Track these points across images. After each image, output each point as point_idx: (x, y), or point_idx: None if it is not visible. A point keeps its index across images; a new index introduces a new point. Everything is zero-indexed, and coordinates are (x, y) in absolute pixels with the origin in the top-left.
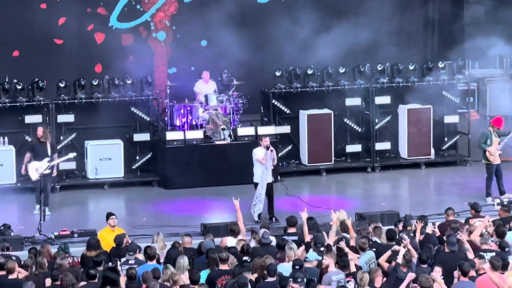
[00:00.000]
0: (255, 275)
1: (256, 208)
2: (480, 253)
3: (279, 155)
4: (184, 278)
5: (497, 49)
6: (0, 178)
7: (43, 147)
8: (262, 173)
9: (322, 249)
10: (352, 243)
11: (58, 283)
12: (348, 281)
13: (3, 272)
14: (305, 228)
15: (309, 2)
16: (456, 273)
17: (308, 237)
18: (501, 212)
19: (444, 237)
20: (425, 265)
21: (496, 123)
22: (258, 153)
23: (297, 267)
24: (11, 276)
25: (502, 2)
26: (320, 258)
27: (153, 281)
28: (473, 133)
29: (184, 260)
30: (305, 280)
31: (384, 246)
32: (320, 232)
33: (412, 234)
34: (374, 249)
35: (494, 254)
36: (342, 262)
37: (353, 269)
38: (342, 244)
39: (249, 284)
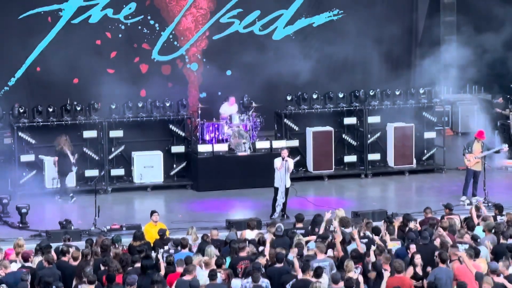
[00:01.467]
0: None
1: (279, 208)
2: (457, 244)
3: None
4: (212, 263)
5: (467, 78)
6: (68, 181)
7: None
8: (280, 179)
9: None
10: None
11: (106, 268)
12: (356, 267)
13: (65, 258)
14: (323, 225)
15: (314, 37)
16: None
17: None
18: (472, 211)
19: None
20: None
21: (479, 135)
22: (277, 162)
23: (299, 256)
24: (72, 262)
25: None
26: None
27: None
28: (448, 146)
29: (211, 249)
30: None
31: (373, 239)
32: (327, 226)
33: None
34: (366, 240)
35: (467, 245)
36: (354, 252)
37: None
38: (337, 234)
39: (263, 268)
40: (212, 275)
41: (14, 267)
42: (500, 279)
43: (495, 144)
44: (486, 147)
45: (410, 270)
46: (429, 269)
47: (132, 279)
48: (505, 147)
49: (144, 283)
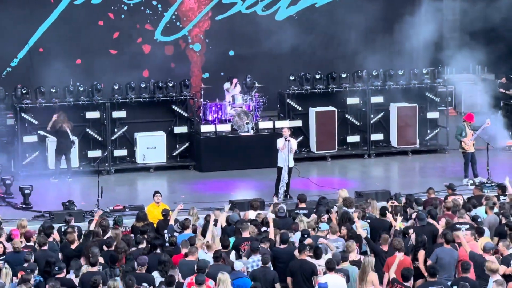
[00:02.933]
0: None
1: (282, 189)
2: (456, 225)
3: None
4: (214, 245)
5: (470, 58)
6: (73, 162)
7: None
8: (283, 159)
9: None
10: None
11: (112, 248)
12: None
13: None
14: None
15: (316, 18)
16: (439, 240)
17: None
18: (475, 191)
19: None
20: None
21: (468, 118)
22: (279, 142)
23: (305, 235)
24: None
25: (476, 17)
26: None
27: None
28: (451, 126)
29: (215, 229)
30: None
31: (375, 218)
32: (330, 208)
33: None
34: (368, 220)
35: (468, 226)
36: (350, 233)
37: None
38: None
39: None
40: (216, 257)
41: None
42: (492, 258)
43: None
44: (474, 128)
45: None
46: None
47: (143, 259)
48: (488, 121)
49: (151, 263)
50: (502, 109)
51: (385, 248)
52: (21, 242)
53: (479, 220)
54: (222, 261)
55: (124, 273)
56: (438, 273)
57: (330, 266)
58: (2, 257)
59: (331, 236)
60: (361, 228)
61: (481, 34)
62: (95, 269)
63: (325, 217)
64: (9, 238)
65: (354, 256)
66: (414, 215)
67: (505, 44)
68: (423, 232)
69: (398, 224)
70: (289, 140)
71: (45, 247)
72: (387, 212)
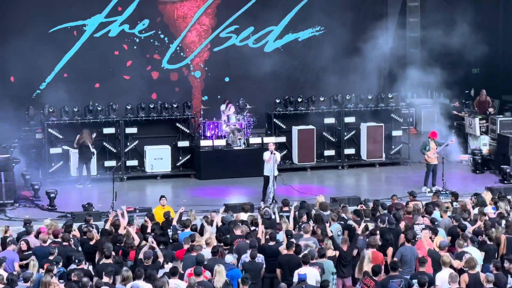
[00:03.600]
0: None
1: (271, 195)
2: (414, 226)
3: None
4: (213, 241)
5: (429, 85)
6: (92, 170)
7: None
8: (269, 169)
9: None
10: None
11: (122, 244)
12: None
13: (85, 237)
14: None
15: (299, 50)
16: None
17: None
18: (433, 198)
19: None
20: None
21: (432, 135)
22: (265, 155)
23: (289, 236)
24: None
25: (435, 51)
26: None
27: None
28: (412, 143)
29: (211, 227)
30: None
31: (346, 221)
32: (310, 211)
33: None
34: (342, 222)
35: (424, 226)
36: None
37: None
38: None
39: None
40: (214, 252)
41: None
42: (446, 253)
43: (448, 140)
44: (438, 143)
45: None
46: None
47: (149, 253)
48: (452, 139)
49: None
50: (455, 129)
51: (344, 247)
52: (49, 238)
53: (436, 223)
54: (219, 255)
55: (134, 265)
56: (399, 268)
57: (305, 260)
58: (29, 252)
59: (305, 235)
60: (336, 229)
61: (439, 64)
62: (109, 260)
63: (304, 217)
64: (38, 235)
65: (330, 252)
66: (385, 218)
67: (458, 73)
68: (392, 233)
69: (362, 226)
70: (274, 153)
71: (68, 243)
72: (352, 216)
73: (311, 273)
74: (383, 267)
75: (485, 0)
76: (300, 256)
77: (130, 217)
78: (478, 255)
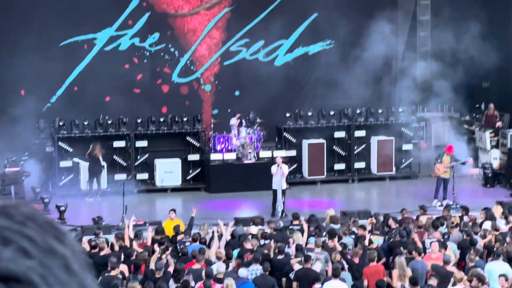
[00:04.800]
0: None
1: (279, 208)
2: (426, 240)
3: (289, 170)
4: (223, 255)
5: (440, 98)
6: (102, 184)
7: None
8: (277, 183)
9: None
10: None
11: (133, 258)
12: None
13: (95, 250)
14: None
15: (309, 64)
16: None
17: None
18: (444, 212)
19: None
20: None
21: (448, 149)
22: (272, 168)
23: (299, 249)
24: (102, 253)
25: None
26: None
27: (200, 256)
28: (422, 157)
29: (218, 243)
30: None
31: (358, 236)
32: (319, 225)
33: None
34: (353, 236)
35: (436, 240)
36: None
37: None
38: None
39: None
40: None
41: None
42: (453, 268)
43: (465, 155)
44: (454, 159)
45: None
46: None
47: (160, 265)
48: (470, 159)
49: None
50: (466, 142)
51: (356, 260)
52: None
53: (446, 237)
54: (235, 267)
55: (144, 278)
56: (418, 283)
57: (336, 273)
58: None
59: (316, 249)
60: (348, 243)
61: (450, 78)
62: (114, 273)
63: (312, 228)
64: None
65: (339, 265)
66: (395, 232)
67: (468, 87)
68: (402, 246)
69: (375, 238)
70: (281, 167)
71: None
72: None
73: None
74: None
75: (496, 14)
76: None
77: (138, 231)
78: (506, 269)
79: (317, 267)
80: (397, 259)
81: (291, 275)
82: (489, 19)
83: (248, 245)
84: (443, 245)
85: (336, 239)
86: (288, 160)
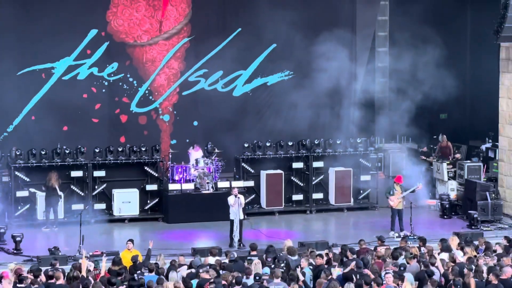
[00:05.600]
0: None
1: (236, 238)
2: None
3: (246, 201)
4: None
5: (397, 131)
6: (59, 213)
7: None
8: (234, 213)
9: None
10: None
11: None
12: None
13: (52, 280)
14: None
15: (268, 94)
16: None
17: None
18: (401, 243)
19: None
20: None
21: (397, 180)
22: (230, 199)
23: (257, 278)
24: (58, 282)
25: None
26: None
27: (158, 286)
28: (380, 187)
29: (174, 274)
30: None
31: (316, 266)
32: (277, 255)
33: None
34: (311, 267)
35: (391, 271)
36: (290, 276)
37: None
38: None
39: None
40: None
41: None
42: None
43: (414, 185)
44: (404, 189)
45: None
46: None
47: None
48: (419, 185)
49: None
50: (423, 173)
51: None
52: (11, 282)
53: (402, 268)
54: None
55: None
56: None
57: None
58: None
59: (275, 280)
60: (308, 273)
61: (407, 109)
62: None
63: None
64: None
65: None
66: (353, 263)
67: (426, 119)
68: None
69: (334, 270)
70: (238, 197)
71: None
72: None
73: None
74: None
75: (453, 47)
76: None
77: (95, 261)
78: None
79: None
80: (346, 285)
81: None
82: (448, 52)
83: (206, 276)
84: (399, 277)
85: (298, 269)
86: (246, 191)
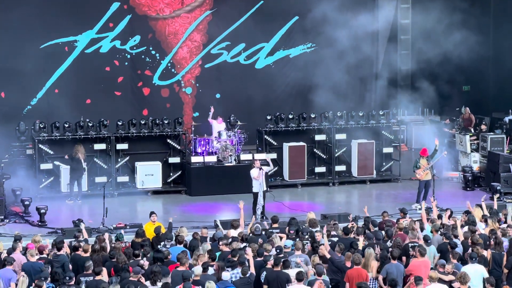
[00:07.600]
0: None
1: (259, 211)
2: (409, 244)
3: (269, 173)
4: (205, 257)
5: (420, 102)
6: (83, 186)
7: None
8: (259, 186)
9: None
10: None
11: (114, 260)
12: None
13: (78, 252)
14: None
15: (290, 67)
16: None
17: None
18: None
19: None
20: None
21: (422, 153)
22: (254, 173)
23: (278, 251)
24: (83, 254)
25: (429, 66)
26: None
27: (185, 259)
28: (403, 160)
29: (206, 245)
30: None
31: (339, 237)
32: (299, 227)
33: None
34: (336, 238)
35: (417, 244)
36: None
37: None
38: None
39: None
40: (204, 268)
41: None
42: (433, 271)
43: (440, 153)
44: (430, 159)
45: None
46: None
47: (138, 269)
48: (445, 152)
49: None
50: (446, 145)
51: (348, 264)
52: (36, 254)
53: (429, 241)
54: (217, 270)
55: (121, 281)
56: (397, 285)
57: (299, 278)
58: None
59: (296, 252)
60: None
61: (430, 81)
62: (99, 277)
63: (292, 231)
64: (25, 251)
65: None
66: (373, 235)
67: (449, 91)
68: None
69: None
70: (261, 169)
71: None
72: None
73: None
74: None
75: (476, 18)
76: (289, 271)
77: (119, 234)
78: (482, 271)
79: (296, 270)
80: (366, 250)
81: (262, 278)
82: (471, 25)
83: (228, 248)
84: (424, 250)
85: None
86: (267, 163)
